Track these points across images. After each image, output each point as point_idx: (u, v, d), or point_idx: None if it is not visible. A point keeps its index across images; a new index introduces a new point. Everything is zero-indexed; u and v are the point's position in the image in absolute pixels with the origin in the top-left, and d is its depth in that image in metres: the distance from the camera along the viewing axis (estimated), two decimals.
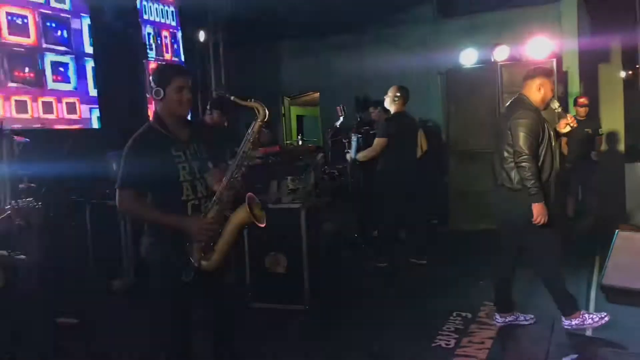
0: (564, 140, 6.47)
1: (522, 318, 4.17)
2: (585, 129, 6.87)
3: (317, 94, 10.71)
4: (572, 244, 5.56)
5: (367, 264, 6.01)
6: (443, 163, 7.99)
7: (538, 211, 3.71)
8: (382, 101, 6.20)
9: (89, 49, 6.51)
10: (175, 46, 8.07)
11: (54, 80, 6.06)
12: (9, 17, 5.63)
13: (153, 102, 2.92)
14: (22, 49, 5.76)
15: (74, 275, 5.39)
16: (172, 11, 8.05)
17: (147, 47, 7.31)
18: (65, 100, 6.20)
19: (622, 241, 5.16)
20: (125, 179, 2.73)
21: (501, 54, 7.48)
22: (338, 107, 5.85)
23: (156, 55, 7.61)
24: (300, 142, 8.53)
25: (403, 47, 8.81)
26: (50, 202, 4.87)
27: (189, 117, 3.07)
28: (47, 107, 5.97)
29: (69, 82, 6.27)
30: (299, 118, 11.74)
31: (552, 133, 3.92)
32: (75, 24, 6.34)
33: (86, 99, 6.47)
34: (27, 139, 4.78)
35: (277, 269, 4.70)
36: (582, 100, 7.05)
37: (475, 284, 5.14)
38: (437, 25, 8.90)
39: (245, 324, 4.11)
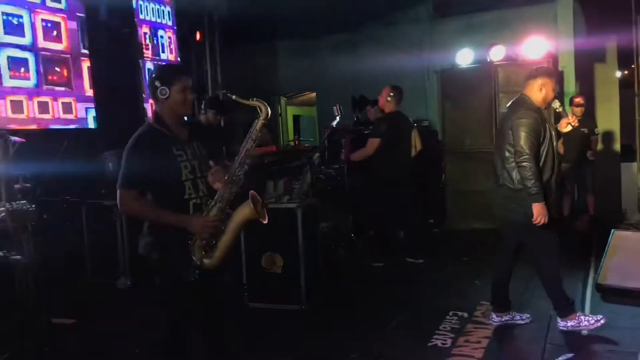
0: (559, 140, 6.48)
1: (518, 317, 4.18)
2: (581, 129, 6.88)
3: (314, 94, 10.71)
4: (568, 243, 5.57)
5: (363, 264, 6.01)
6: (439, 163, 7.99)
7: (538, 211, 3.71)
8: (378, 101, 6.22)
9: (85, 49, 6.49)
10: (172, 46, 8.06)
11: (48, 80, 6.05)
12: (5, 17, 5.62)
13: (153, 102, 2.93)
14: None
15: (70, 274, 5.40)
16: (169, 11, 8.04)
17: (144, 46, 7.30)
18: (61, 100, 6.19)
19: (618, 240, 5.18)
20: (127, 179, 2.73)
21: (497, 53, 7.49)
22: (334, 107, 5.84)
23: (152, 55, 7.60)
24: (296, 142, 8.53)
25: (399, 46, 8.82)
26: (45, 202, 4.86)
27: (185, 118, 3.08)
28: (43, 107, 5.96)
29: (65, 82, 6.26)
30: (296, 118, 11.73)
31: (553, 133, 3.92)
32: (71, 23, 6.33)
33: (82, 99, 6.45)
34: (23, 139, 4.77)
35: (274, 268, 4.70)
36: (578, 99, 7.07)
37: (471, 283, 5.15)
38: (433, 25, 8.90)
39: (241, 323, 4.13)
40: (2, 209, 4.05)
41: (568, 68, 7.66)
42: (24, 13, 5.80)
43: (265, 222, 2.84)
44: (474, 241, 6.84)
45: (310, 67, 9.64)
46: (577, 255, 5.78)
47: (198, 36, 8.75)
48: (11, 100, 5.62)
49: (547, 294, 4.02)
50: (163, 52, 7.87)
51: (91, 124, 6.57)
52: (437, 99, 8.29)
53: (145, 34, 7.49)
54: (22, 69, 5.77)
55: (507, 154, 3.87)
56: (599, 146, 7.79)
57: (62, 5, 6.27)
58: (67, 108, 6.26)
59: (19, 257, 3.92)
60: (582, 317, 3.93)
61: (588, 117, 7.33)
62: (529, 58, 7.27)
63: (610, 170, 8.04)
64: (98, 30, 6.35)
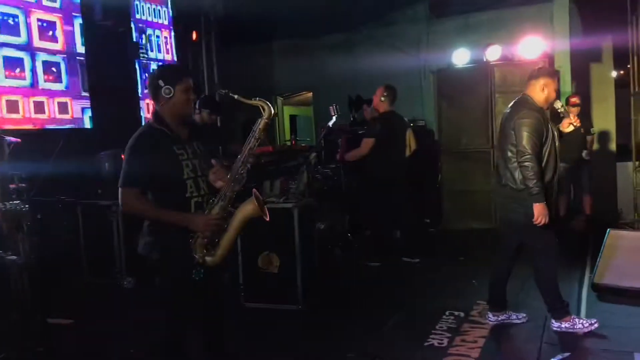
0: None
1: (514, 317, 4.19)
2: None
3: (310, 94, 10.71)
4: (564, 242, 5.58)
5: (360, 264, 6.01)
6: (435, 162, 8.00)
7: (539, 211, 3.72)
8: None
9: (80, 49, 6.47)
10: (168, 46, 8.05)
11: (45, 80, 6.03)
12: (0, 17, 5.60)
13: (153, 101, 2.93)
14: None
15: (66, 274, 5.39)
16: (165, 10, 8.02)
17: (140, 46, 7.28)
18: (57, 99, 6.17)
19: (614, 240, 5.20)
20: (128, 178, 2.74)
21: (493, 53, 7.51)
22: (331, 107, 5.84)
23: (148, 55, 7.58)
24: (293, 142, 8.53)
25: (396, 46, 8.83)
26: (39, 203, 4.84)
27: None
28: (39, 107, 5.94)
29: (61, 82, 6.24)
30: (292, 118, 11.74)
31: (555, 133, 3.93)
32: (66, 23, 6.31)
33: (78, 99, 6.43)
34: (19, 140, 4.75)
35: (270, 268, 4.70)
36: (574, 99, 7.08)
37: (467, 283, 5.16)
38: (429, 25, 8.91)
39: (238, 323, 4.12)
40: None
41: (564, 68, 7.67)
42: (19, 13, 5.78)
43: (268, 219, 2.87)
44: (470, 241, 6.86)
45: (307, 67, 9.63)
46: (573, 254, 5.79)
47: (194, 36, 8.73)
48: (7, 100, 5.60)
49: (542, 295, 4.02)
50: (159, 51, 7.85)
51: (87, 124, 6.55)
52: (434, 98, 8.30)
53: (141, 33, 7.46)
54: (18, 69, 5.75)
55: (509, 154, 3.88)
56: (595, 146, 7.81)
57: (57, 4, 6.25)
58: (63, 108, 6.24)
59: (14, 257, 3.90)
60: (577, 320, 3.95)
61: (584, 117, 7.33)
62: (525, 58, 7.30)
63: (606, 170, 8.06)
64: (93, 30, 6.34)
